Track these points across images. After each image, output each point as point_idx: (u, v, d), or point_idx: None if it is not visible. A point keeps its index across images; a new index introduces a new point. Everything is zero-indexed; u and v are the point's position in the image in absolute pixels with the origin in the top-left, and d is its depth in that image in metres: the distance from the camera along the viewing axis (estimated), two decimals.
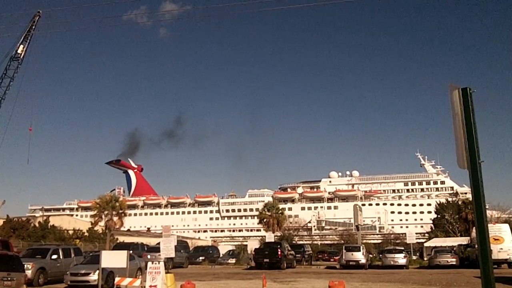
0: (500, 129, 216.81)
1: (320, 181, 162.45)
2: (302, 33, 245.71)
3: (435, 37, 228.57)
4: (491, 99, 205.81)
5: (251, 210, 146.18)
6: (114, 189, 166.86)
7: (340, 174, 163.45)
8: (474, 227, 42.23)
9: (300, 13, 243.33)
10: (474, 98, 6.86)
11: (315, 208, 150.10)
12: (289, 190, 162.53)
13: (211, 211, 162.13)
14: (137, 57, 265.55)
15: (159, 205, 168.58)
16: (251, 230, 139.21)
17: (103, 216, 54.61)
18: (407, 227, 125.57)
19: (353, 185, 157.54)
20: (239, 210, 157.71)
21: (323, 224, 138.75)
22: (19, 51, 61.95)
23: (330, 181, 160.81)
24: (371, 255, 49.11)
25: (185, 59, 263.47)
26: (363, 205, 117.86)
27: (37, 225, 60.07)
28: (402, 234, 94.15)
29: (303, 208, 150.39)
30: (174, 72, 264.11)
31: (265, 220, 65.14)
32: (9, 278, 15.10)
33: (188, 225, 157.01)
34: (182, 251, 43.46)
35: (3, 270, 15.13)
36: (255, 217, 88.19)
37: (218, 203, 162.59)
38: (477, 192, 6.54)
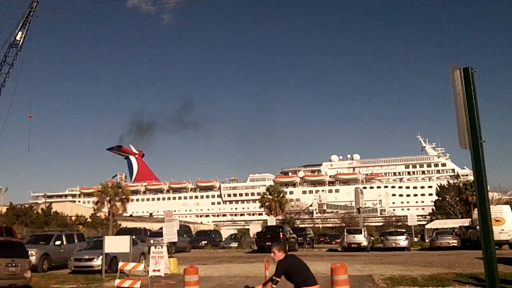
0: (501, 109, 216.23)
1: (321, 164, 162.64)
2: (305, 17, 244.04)
3: (435, 18, 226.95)
4: (492, 78, 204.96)
5: (252, 194, 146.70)
6: (116, 175, 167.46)
7: (341, 157, 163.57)
8: (475, 209, 42.43)
9: None
10: (475, 78, 6.81)
11: (317, 191, 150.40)
12: (290, 174, 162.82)
13: (213, 196, 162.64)
14: (140, 43, 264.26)
15: (161, 191, 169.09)
16: (253, 214, 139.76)
17: (105, 202, 54.91)
18: (408, 209, 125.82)
19: (354, 168, 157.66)
20: (241, 195, 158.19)
21: (325, 208, 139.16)
22: (17, 38, 61.71)
23: (331, 165, 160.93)
24: (372, 238, 49.38)
25: (188, 45, 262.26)
26: (364, 188, 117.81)
27: (40, 211, 60.31)
28: (404, 216, 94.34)
29: (304, 192, 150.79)
30: (177, 58, 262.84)
31: (266, 204, 65.50)
32: (13, 264, 15.20)
33: (190, 210, 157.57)
34: (184, 235, 43.70)
35: (8, 257, 15.22)
36: (257, 201, 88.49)
37: (219, 188, 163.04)
38: (479, 171, 6.54)
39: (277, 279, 7.02)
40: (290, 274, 7.08)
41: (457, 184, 76.75)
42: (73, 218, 62.90)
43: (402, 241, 38.18)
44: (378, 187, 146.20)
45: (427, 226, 58.85)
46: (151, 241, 34.18)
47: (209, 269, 22.26)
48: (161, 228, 32.68)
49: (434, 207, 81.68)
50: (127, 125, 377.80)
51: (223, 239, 52.30)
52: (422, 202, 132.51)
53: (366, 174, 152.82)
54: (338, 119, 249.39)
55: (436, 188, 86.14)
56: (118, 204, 54.92)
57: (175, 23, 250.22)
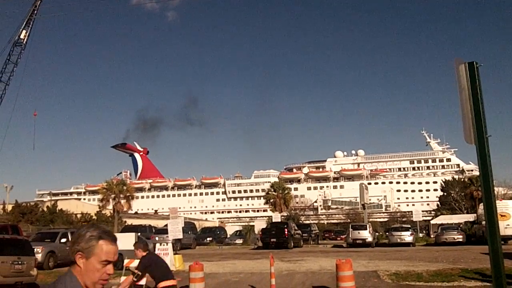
0: (508, 103, 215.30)
1: (325, 161, 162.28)
2: (309, 13, 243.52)
3: (440, 12, 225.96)
4: (497, 72, 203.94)
5: (257, 191, 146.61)
6: (121, 173, 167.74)
7: (345, 153, 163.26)
8: (480, 204, 42.34)
9: None
10: (480, 72, 6.79)
11: (321, 187, 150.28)
12: (295, 170, 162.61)
13: (218, 193, 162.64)
14: (144, 40, 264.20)
15: (165, 188, 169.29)
16: (258, 211, 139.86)
17: (110, 200, 55.02)
18: (413, 205, 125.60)
19: (358, 164, 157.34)
20: (246, 191, 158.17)
21: (329, 204, 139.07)
22: (21, 36, 61.80)
23: (335, 161, 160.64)
24: (377, 234, 49.39)
25: (193, 42, 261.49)
26: (369, 184, 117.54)
27: (45, 209, 60.57)
28: (409, 212, 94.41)
29: (309, 188, 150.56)
30: (182, 55, 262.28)
31: (271, 200, 65.51)
32: (19, 262, 15.26)
33: (195, 207, 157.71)
34: (189, 232, 43.73)
35: (14, 254, 15.29)
36: (262, 198, 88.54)
37: (224, 185, 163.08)
38: (484, 166, 6.51)
39: (139, 272, 8.24)
40: (151, 269, 8.30)
41: (462, 179, 76.58)
42: (78, 215, 63.13)
43: (407, 236, 38.14)
44: (383, 182, 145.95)
45: (432, 222, 58.79)
46: (156, 238, 34.25)
47: (214, 265, 22.28)
48: (166, 225, 32.78)
49: (439, 203, 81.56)
50: (132, 123, 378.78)
51: (228, 236, 52.41)
52: (427, 197, 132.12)
53: (371, 170, 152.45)
54: (343, 115, 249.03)
55: (441, 184, 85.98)
56: (123, 201, 54.95)
57: (179, 21, 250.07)
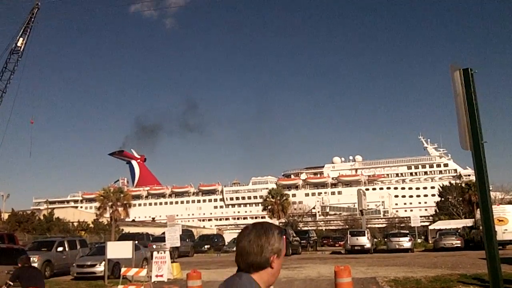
0: (503, 109, 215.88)
1: (323, 166, 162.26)
2: (308, 18, 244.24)
3: (437, 16, 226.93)
4: (493, 78, 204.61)
5: (255, 197, 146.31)
6: (118, 180, 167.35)
7: (343, 159, 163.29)
8: (478, 209, 42.32)
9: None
10: (475, 78, 6.79)
11: (319, 194, 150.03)
12: (292, 176, 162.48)
13: (215, 200, 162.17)
14: (142, 48, 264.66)
15: (163, 195, 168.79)
16: (256, 218, 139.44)
17: (107, 208, 54.80)
18: (411, 210, 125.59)
19: (356, 170, 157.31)
20: (243, 198, 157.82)
21: (327, 210, 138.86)
22: (18, 44, 61.77)
23: (333, 167, 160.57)
24: (376, 240, 49.30)
25: (191, 49, 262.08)
26: (367, 189, 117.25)
27: (42, 218, 60.37)
28: (407, 217, 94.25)
29: (307, 194, 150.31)
30: (180, 62, 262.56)
31: (269, 207, 65.21)
32: None
33: (192, 214, 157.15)
34: (187, 240, 43.61)
35: (10, 264, 15.20)
36: (260, 204, 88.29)
37: (222, 191, 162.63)
38: (480, 172, 6.50)
39: (10, 282, 9.39)
40: (20, 280, 9.39)
41: (459, 184, 76.67)
42: (75, 224, 62.94)
43: (405, 242, 38.08)
44: (381, 188, 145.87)
45: (430, 227, 58.67)
46: (154, 246, 34.10)
47: (212, 273, 22.18)
48: (163, 233, 32.62)
49: (437, 208, 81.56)
50: (129, 130, 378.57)
51: (226, 243, 52.16)
52: (425, 203, 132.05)
53: (369, 176, 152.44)
54: (340, 121, 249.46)
55: (439, 189, 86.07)
56: (120, 209, 54.74)
57: (177, 28, 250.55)
